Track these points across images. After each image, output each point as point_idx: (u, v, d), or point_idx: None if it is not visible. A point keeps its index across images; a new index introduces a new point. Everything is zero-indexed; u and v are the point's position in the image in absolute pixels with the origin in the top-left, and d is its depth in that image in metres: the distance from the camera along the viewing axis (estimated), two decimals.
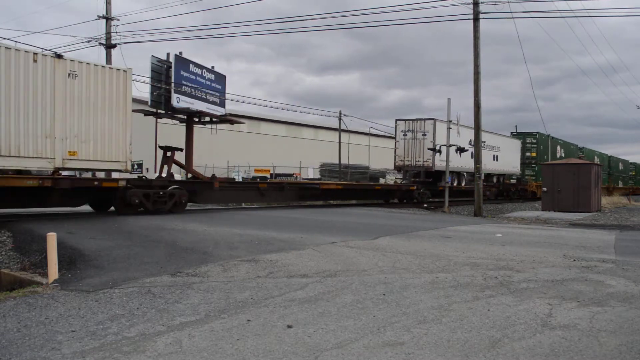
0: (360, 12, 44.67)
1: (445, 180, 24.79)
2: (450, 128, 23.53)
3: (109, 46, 25.12)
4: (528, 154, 34.27)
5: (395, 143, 26.96)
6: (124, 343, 4.03)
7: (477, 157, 21.66)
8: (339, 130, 43.34)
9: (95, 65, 13.18)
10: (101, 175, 19.75)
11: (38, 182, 11.86)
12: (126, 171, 13.98)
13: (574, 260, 8.07)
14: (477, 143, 21.56)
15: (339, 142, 42.63)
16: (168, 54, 24.44)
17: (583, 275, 6.85)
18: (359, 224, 13.52)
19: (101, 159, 13.03)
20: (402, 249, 8.83)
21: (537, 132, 34.09)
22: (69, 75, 12.22)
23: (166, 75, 24.80)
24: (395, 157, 27.28)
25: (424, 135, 25.08)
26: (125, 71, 13.72)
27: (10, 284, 7.10)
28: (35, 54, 11.85)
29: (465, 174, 28.42)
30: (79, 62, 12.65)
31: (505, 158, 32.34)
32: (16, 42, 23.52)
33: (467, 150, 25.13)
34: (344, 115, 43.50)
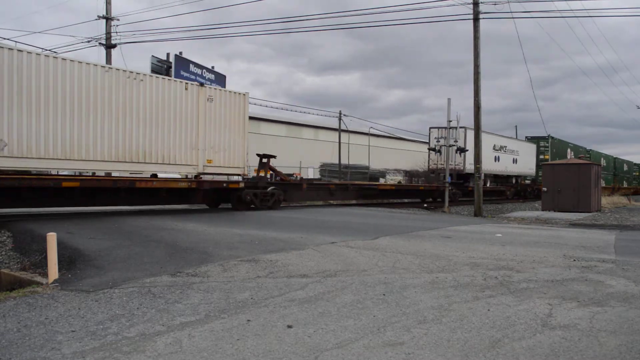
0: (361, 12, 44.76)
1: (446, 180, 24.86)
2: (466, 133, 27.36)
3: (109, 46, 25.13)
4: (542, 156, 36.90)
5: (429, 148, 30.19)
6: (124, 343, 4.03)
7: (477, 157, 21.67)
8: (339, 130, 43.35)
9: (224, 90, 17.04)
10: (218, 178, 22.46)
11: (188, 184, 15.60)
12: (243, 175, 17.23)
13: (574, 260, 8.07)
14: (477, 143, 21.57)
15: (339, 142, 42.64)
16: (168, 54, 24.53)
17: (583, 275, 6.85)
18: (359, 224, 13.52)
19: (228, 166, 16.50)
20: (402, 249, 8.83)
21: (550, 136, 36.84)
22: (207, 99, 15.70)
23: (166, 75, 24.80)
24: (429, 160, 31.02)
25: (455, 141, 27.44)
26: (244, 95, 17.02)
27: (10, 284, 7.10)
28: (186, 83, 15.49)
29: (484, 175, 31.24)
30: (214, 88, 16.97)
31: (522, 161, 35.62)
32: (16, 42, 23.52)
33: (467, 150, 26.49)
34: (344, 115, 43.57)
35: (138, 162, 14.11)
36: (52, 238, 6.52)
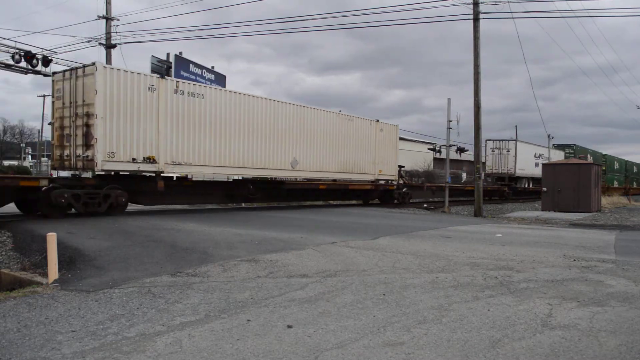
0: (362, 12, 44.76)
1: (446, 179, 24.87)
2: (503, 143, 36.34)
3: (109, 46, 25.10)
4: None
5: (485, 157, 35.87)
6: (124, 343, 4.03)
7: (477, 157, 21.68)
8: None
9: (387, 123, 24.26)
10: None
11: (371, 186, 23.64)
12: (395, 180, 25.13)
13: (574, 260, 8.07)
14: (477, 143, 21.55)
15: None
16: (168, 54, 24.48)
17: (583, 275, 6.85)
18: (358, 224, 13.52)
19: (388, 174, 24.35)
20: (402, 249, 8.83)
21: (575, 144, 46.31)
22: (380, 130, 23.57)
23: (166, 76, 24.75)
24: (485, 166, 36.58)
25: (508, 151, 36.10)
26: (396, 126, 25.22)
27: (10, 284, 7.10)
28: (370, 121, 23.24)
29: (528, 178, 39.19)
30: (383, 122, 23.86)
31: None
32: (16, 42, 23.50)
33: (467, 150, 27.39)
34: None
35: (351, 172, 22.34)
36: (52, 238, 6.52)
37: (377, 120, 23.65)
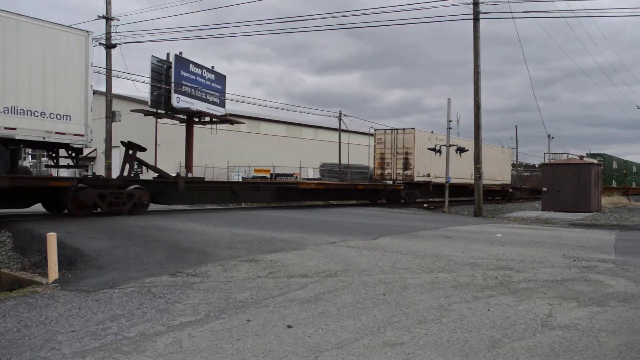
0: (362, 12, 44.79)
1: (446, 179, 24.85)
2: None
3: (109, 46, 25.08)
4: (600, 167, 48.26)
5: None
6: (124, 343, 4.03)
7: (477, 157, 21.66)
8: (339, 130, 43.30)
9: (493, 146, 34.91)
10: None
11: (500, 187, 34.89)
12: (503, 182, 36.71)
13: (574, 260, 8.07)
14: (477, 144, 21.55)
15: (339, 142, 42.59)
16: (168, 54, 24.49)
17: (583, 275, 6.85)
18: (358, 224, 13.52)
19: (499, 179, 35.67)
20: (402, 249, 8.83)
21: (604, 154, 50.83)
22: (508, 147, 37.21)
23: (166, 76, 24.79)
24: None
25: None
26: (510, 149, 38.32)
27: (10, 284, 7.09)
28: (502, 147, 37.78)
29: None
30: (509, 149, 38.18)
31: None
32: None
33: (466, 150, 26.84)
34: (344, 115, 43.47)
35: (491, 180, 31.76)
36: (52, 238, 6.52)
37: (502, 146, 37.87)
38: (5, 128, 11.94)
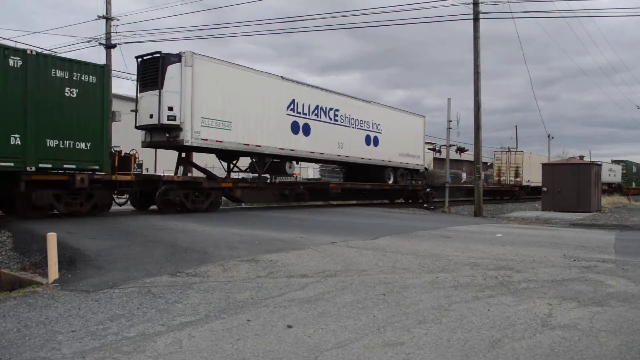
0: (362, 12, 44.83)
1: (446, 179, 24.87)
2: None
3: (109, 46, 25.09)
4: (623, 171, 56.34)
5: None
6: (124, 343, 4.03)
7: (476, 157, 21.67)
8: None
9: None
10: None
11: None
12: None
13: (574, 260, 8.07)
14: (477, 144, 21.55)
15: None
16: None
17: (583, 275, 6.85)
18: (359, 224, 13.52)
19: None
20: (402, 248, 8.83)
21: (626, 160, 56.73)
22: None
23: None
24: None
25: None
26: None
27: (10, 284, 7.09)
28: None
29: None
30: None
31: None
32: (16, 42, 23.52)
33: (467, 150, 27.15)
34: None
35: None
36: (52, 238, 6.52)
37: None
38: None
